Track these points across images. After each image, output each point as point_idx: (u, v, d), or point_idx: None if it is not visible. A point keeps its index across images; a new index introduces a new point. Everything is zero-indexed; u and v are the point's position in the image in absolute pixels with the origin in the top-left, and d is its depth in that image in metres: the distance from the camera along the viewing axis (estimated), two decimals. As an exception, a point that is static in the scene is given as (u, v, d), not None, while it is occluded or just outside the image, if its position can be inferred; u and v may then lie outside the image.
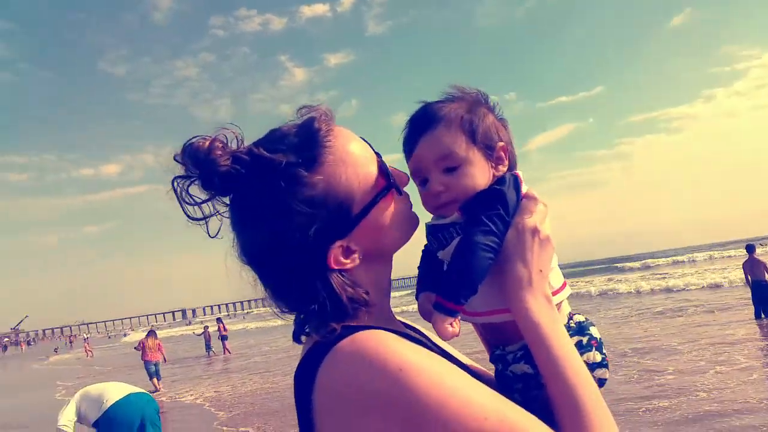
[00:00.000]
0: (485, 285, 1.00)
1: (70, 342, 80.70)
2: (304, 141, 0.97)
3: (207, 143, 0.95)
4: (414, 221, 1.10)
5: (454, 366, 0.94)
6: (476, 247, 0.98)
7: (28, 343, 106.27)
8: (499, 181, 1.06)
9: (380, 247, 1.05)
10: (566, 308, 1.11)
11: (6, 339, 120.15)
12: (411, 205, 1.10)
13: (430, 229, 1.10)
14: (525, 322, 0.97)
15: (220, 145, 0.96)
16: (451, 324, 0.97)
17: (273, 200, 0.94)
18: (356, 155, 1.00)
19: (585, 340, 1.06)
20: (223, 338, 24.74)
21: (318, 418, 0.89)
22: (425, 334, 1.18)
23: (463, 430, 0.83)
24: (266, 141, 0.99)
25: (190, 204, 0.96)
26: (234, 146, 0.98)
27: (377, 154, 1.06)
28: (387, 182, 1.02)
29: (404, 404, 0.83)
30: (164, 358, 18.17)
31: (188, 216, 0.97)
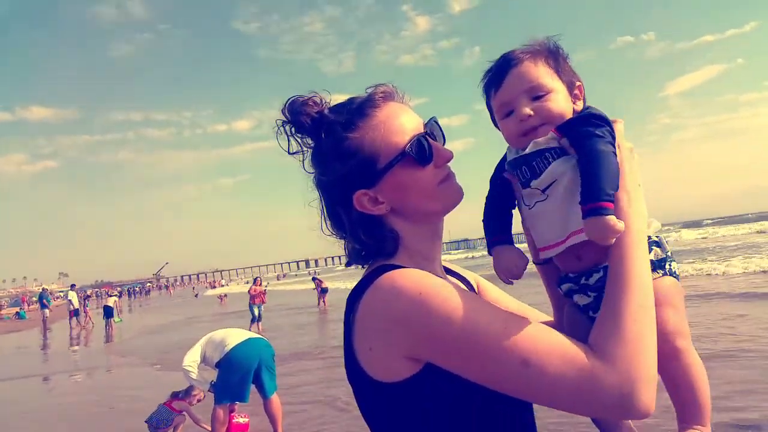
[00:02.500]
0: (559, 212, 1.11)
1: (212, 286, 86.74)
2: (353, 108, 1.21)
3: (301, 100, 1.22)
4: (450, 193, 1.23)
5: (477, 297, 1.13)
6: (606, 152, 1.05)
7: (164, 287, 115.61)
8: (586, 111, 1.15)
9: (409, 206, 1.21)
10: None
11: (149, 284, 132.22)
12: (447, 178, 1.22)
13: (516, 163, 1.17)
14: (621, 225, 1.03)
15: (312, 103, 1.22)
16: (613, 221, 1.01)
17: (322, 147, 1.23)
18: (391, 126, 1.19)
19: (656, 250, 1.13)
20: (323, 291, 24.64)
21: (354, 338, 1.10)
22: (468, 280, 1.41)
23: (470, 342, 0.98)
24: (336, 105, 1.24)
25: (291, 136, 1.24)
26: (321, 107, 1.23)
27: (428, 132, 1.22)
28: (403, 151, 1.17)
29: (419, 322, 1.01)
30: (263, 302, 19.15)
31: (287, 151, 1.25)
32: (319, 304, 24.40)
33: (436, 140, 1.23)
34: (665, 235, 1.20)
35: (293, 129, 1.23)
